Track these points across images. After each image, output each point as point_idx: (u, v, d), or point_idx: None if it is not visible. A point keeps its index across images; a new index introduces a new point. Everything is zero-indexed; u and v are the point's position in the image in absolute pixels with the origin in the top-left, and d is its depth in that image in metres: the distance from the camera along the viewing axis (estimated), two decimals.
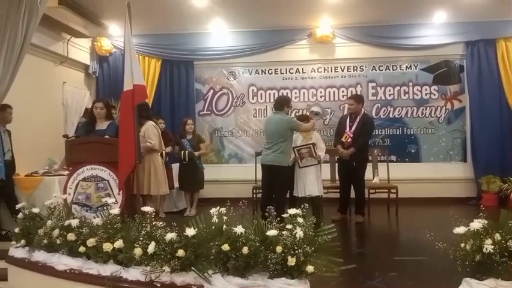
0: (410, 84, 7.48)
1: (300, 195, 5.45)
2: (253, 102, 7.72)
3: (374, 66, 7.54)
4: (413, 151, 7.48)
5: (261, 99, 7.68)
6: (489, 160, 7.03)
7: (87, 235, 2.96)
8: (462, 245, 2.50)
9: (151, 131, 5.40)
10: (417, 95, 7.47)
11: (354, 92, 7.30)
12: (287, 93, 7.59)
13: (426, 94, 7.45)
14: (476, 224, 2.51)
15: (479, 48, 7.14)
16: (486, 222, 2.55)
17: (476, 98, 7.14)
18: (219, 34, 7.45)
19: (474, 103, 7.17)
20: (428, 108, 7.44)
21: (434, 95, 7.44)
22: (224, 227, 2.60)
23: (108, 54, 7.66)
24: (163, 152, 5.86)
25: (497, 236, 2.46)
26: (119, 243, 2.82)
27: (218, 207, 2.75)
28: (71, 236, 3.02)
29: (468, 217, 2.63)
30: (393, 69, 7.52)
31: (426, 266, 3.79)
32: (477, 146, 7.17)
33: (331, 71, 7.60)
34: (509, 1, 6.08)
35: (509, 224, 2.55)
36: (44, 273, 3.10)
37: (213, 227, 2.63)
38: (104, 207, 3.23)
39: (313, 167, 5.51)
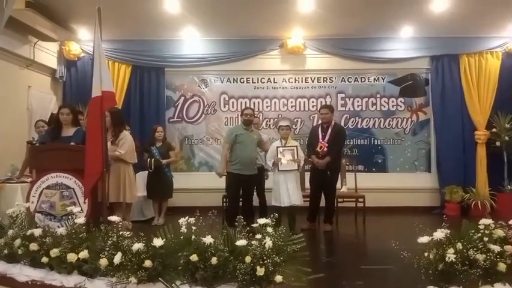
0: (378, 96, 7.67)
1: (283, 205, 5.43)
2: (225, 110, 7.71)
3: (343, 77, 7.69)
4: (380, 161, 7.66)
5: (233, 107, 7.69)
6: (452, 171, 7.26)
7: (50, 245, 2.87)
8: (426, 254, 2.57)
9: (125, 141, 5.28)
10: (384, 107, 7.66)
11: (324, 103, 7.41)
12: (258, 102, 7.66)
13: (393, 106, 7.66)
14: (439, 234, 2.59)
15: (443, 62, 7.42)
16: (448, 232, 2.63)
17: (440, 110, 7.40)
18: (191, 42, 7.43)
19: (438, 115, 7.42)
20: (394, 119, 7.65)
21: (401, 106, 7.66)
22: (193, 237, 2.58)
23: (76, 59, 7.48)
24: None
25: (459, 246, 2.54)
26: (84, 254, 2.74)
27: (187, 217, 2.72)
28: (33, 246, 2.92)
29: (432, 226, 2.71)
30: (361, 81, 7.69)
31: (392, 274, 3.87)
32: (441, 157, 7.41)
33: (301, 82, 7.70)
34: (472, 18, 6.35)
35: (470, 234, 2.65)
36: (3, 284, 2.97)
37: (182, 237, 2.61)
38: (69, 216, 3.14)
39: (294, 174, 5.56)
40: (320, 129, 6.00)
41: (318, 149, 5.86)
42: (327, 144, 5.82)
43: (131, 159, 5.41)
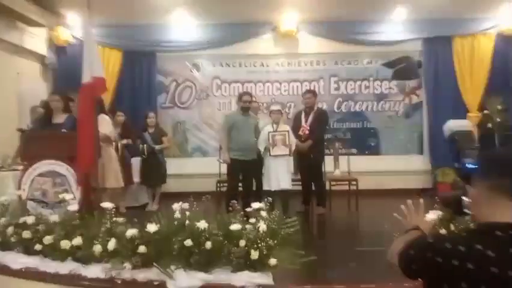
0: (371, 79, 7.65)
1: (272, 189, 5.45)
2: (217, 95, 7.67)
3: (336, 61, 7.66)
4: (372, 144, 7.68)
5: (225, 92, 7.64)
6: (444, 153, 7.30)
7: (43, 232, 2.86)
8: None
9: (101, 121, 5.28)
10: (377, 90, 7.66)
11: (317, 86, 7.43)
12: (251, 86, 7.61)
13: (386, 89, 7.65)
14: (431, 215, 2.60)
15: (436, 44, 7.40)
16: (441, 213, 2.65)
17: (433, 93, 7.41)
18: (183, 26, 7.33)
19: (430, 98, 7.44)
20: (387, 102, 7.65)
21: (394, 89, 7.65)
22: (187, 222, 2.58)
23: (66, 45, 7.37)
24: (119, 144, 5.75)
25: (452, 226, 2.56)
26: (77, 241, 2.74)
27: (181, 202, 2.72)
28: (26, 234, 2.91)
29: (425, 208, 2.73)
30: (354, 64, 7.67)
31: (385, 256, 3.90)
32: (433, 139, 7.45)
33: (295, 65, 7.66)
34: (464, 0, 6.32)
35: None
36: None
37: (176, 223, 2.61)
38: (62, 204, 3.12)
39: (285, 159, 5.56)
40: (303, 113, 6.05)
41: (300, 132, 5.90)
42: (308, 128, 5.86)
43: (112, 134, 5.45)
